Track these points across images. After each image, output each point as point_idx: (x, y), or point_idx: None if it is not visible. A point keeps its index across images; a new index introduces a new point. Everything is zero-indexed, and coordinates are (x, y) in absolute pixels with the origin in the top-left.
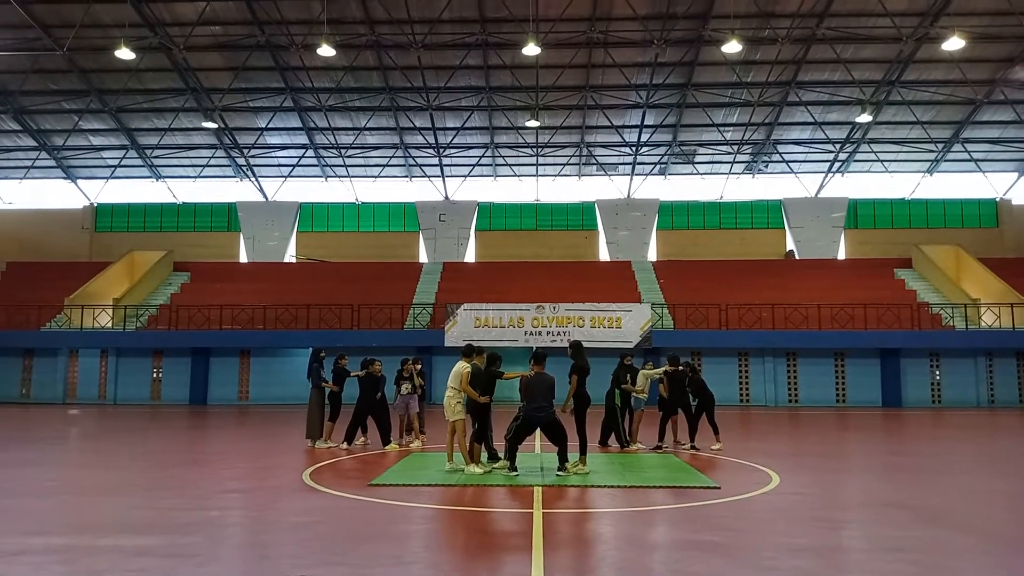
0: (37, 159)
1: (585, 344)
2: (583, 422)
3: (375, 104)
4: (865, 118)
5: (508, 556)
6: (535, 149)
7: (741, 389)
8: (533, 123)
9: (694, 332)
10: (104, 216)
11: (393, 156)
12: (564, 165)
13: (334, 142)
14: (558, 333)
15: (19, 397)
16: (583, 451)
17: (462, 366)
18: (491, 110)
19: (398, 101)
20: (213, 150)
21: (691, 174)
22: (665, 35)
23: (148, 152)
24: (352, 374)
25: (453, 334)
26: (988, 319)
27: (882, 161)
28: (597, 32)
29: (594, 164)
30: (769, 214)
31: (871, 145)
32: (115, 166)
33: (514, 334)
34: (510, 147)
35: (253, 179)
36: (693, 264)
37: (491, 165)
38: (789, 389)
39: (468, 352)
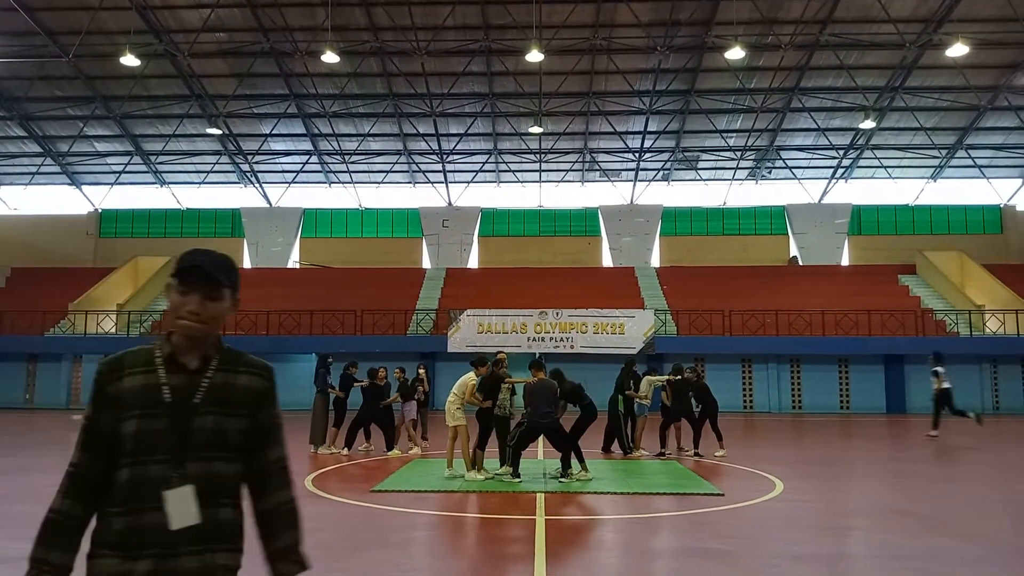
0: (42, 165)
1: (588, 350)
2: (582, 432)
3: (379, 110)
4: (868, 124)
5: (511, 563)
6: (538, 155)
7: (744, 396)
8: (536, 129)
9: (697, 338)
10: (108, 222)
11: (396, 162)
12: (567, 171)
13: (338, 148)
14: (561, 339)
15: (23, 403)
16: (580, 460)
17: (469, 376)
18: (494, 116)
19: (402, 107)
20: (217, 156)
21: (694, 180)
22: (668, 42)
23: (152, 158)
24: (357, 382)
25: (456, 340)
26: (992, 325)
27: (886, 167)
28: (600, 39)
29: (597, 170)
30: (772, 220)
31: (875, 151)
32: (120, 172)
33: (517, 340)
34: (513, 153)
35: (257, 185)
36: (696, 270)
37: (494, 171)
38: (793, 396)
39: (477, 363)
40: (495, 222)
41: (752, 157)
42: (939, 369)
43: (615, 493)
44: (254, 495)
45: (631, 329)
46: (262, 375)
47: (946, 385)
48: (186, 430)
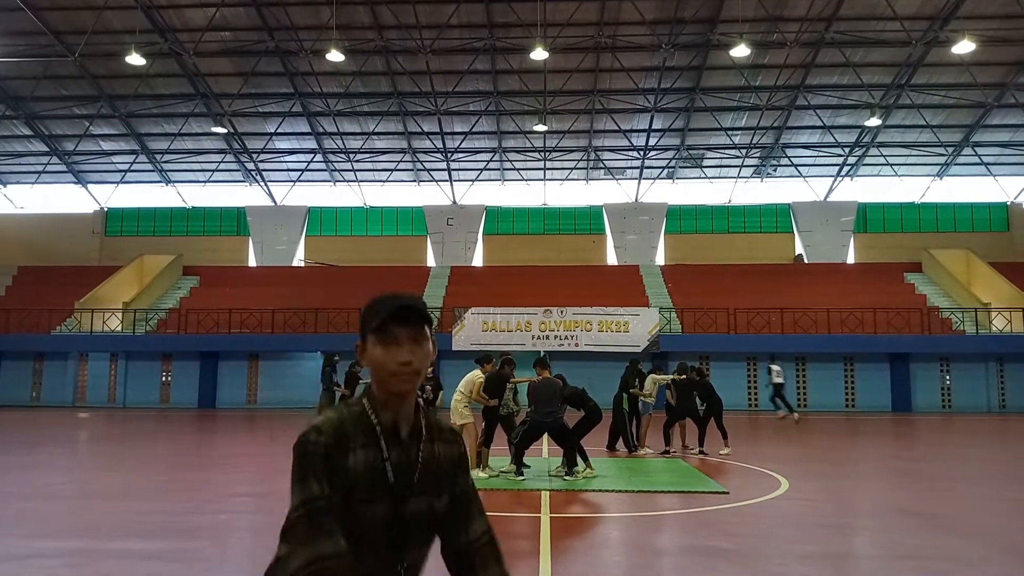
0: (48, 164)
1: (593, 348)
2: (585, 433)
3: (383, 109)
4: (874, 122)
5: (517, 560)
6: (543, 153)
7: (750, 394)
8: (541, 127)
9: (702, 336)
10: (114, 220)
11: (401, 160)
12: (572, 169)
13: (342, 147)
14: (566, 337)
15: (29, 400)
16: (584, 458)
17: (475, 374)
18: (499, 114)
19: (406, 106)
20: (222, 155)
21: (699, 178)
22: (673, 39)
23: (158, 157)
24: (362, 380)
25: (461, 338)
26: (999, 324)
27: (891, 165)
28: (605, 37)
29: (602, 168)
30: (778, 218)
31: (880, 149)
32: (125, 171)
33: (521, 338)
34: (518, 151)
35: (262, 184)
36: (701, 268)
37: (499, 169)
38: (798, 394)
39: (483, 361)
40: (499, 220)
41: (757, 155)
42: (773, 367)
43: (620, 491)
44: None
45: (636, 327)
46: (457, 440)
47: (779, 380)
48: (407, 514)
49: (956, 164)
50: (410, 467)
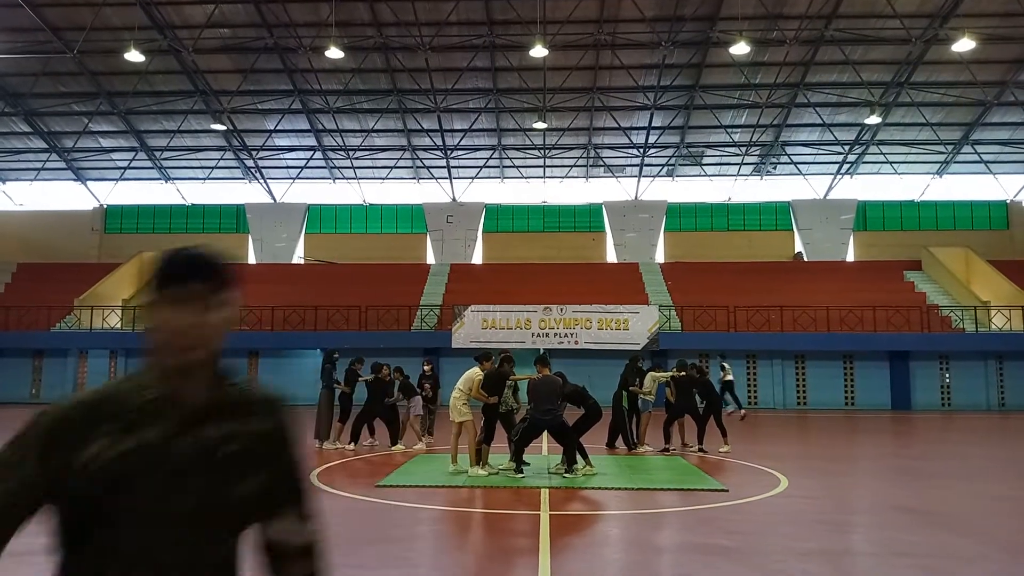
0: (47, 161)
1: (592, 346)
2: (584, 431)
3: (383, 106)
4: (874, 120)
5: (516, 557)
6: (542, 151)
7: (749, 392)
8: (540, 125)
9: (702, 334)
10: (113, 217)
11: (401, 158)
12: (571, 167)
13: (342, 144)
14: (565, 335)
15: (29, 398)
16: (584, 455)
17: (475, 372)
18: (498, 112)
19: (406, 103)
20: (222, 152)
21: (699, 176)
22: (673, 37)
23: (157, 154)
24: (362, 378)
25: (460, 335)
26: (998, 322)
27: (891, 163)
28: (604, 34)
29: (601, 166)
30: (777, 216)
31: (880, 147)
32: (124, 168)
33: (521, 335)
34: (517, 149)
35: (261, 181)
36: (701, 266)
37: (498, 167)
38: (798, 392)
39: (482, 358)
40: (499, 218)
41: (757, 153)
42: (725, 364)
43: (619, 489)
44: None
45: (635, 325)
46: (271, 413)
47: (729, 377)
48: (179, 499)
49: (956, 162)
50: (192, 447)
